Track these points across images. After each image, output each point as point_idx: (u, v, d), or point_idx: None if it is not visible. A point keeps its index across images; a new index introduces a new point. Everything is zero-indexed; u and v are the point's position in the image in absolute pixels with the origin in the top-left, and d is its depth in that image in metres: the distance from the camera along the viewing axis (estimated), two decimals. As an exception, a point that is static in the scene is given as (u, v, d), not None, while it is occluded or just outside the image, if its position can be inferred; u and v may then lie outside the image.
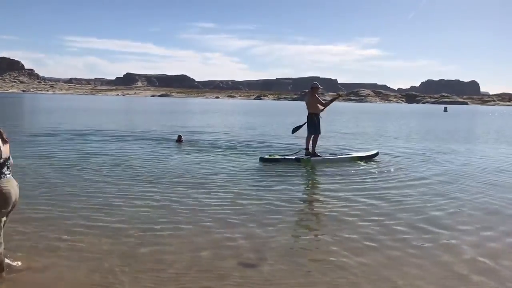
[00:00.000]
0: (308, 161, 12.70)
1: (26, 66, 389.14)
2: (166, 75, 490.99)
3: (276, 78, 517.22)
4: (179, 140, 17.99)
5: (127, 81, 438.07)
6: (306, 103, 13.45)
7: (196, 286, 4.57)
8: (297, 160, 12.73)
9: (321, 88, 14.20)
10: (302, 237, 6.38)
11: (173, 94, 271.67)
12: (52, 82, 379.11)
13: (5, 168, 4.24)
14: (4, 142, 4.20)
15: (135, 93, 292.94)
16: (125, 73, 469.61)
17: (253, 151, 15.64)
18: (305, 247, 5.88)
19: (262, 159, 12.71)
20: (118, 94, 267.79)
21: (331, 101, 13.69)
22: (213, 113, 52.77)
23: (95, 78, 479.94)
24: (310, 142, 13.19)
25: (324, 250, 5.72)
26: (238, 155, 14.50)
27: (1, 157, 4.13)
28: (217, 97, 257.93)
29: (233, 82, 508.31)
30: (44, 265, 4.96)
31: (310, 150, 13.12)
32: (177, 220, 6.79)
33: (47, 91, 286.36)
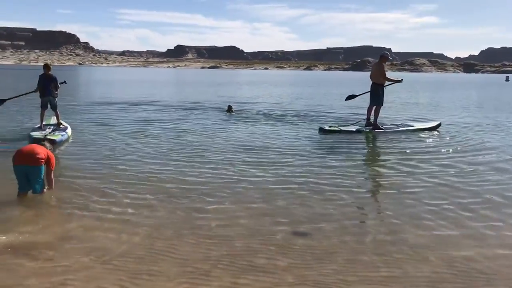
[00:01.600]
0: (369, 133, 12.27)
1: (82, 40, 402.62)
2: (216, 47, 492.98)
3: (327, 48, 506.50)
4: (229, 110, 17.96)
5: (178, 53, 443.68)
6: (371, 73, 12.84)
7: (247, 251, 4.53)
8: (358, 131, 12.32)
9: (391, 58, 13.34)
10: (359, 211, 6.12)
11: (222, 65, 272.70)
12: (106, 55, 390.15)
13: None
14: None
15: (185, 65, 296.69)
16: (175, 45, 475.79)
17: (307, 121, 15.33)
18: (362, 221, 5.65)
19: (322, 130, 12.40)
20: (169, 66, 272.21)
21: (392, 81, 12.92)
22: (261, 84, 52.46)
23: (147, 51, 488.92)
24: (372, 113, 12.70)
25: (381, 225, 5.48)
26: (293, 125, 14.24)
27: None
28: (266, 68, 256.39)
29: (282, 52, 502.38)
30: (103, 227, 5.05)
31: (372, 121, 12.65)
32: (233, 189, 6.74)
33: (102, 63, 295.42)
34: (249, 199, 6.25)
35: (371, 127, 12.49)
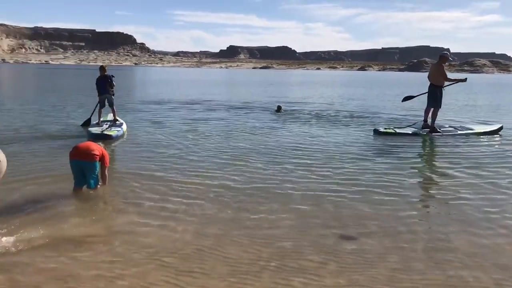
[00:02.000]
0: (426, 136, 11.83)
1: (138, 40, 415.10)
2: (268, 47, 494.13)
3: (382, 48, 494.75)
4: (278, 110, 17.93)
5: (230, 53, 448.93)
6: (429, 74, 12.37)
7: (296, 252, 4.46)
8: (415, 134, 11.90)
9: (451, 59, 12.75)
10: (411, 216, 5.84)
11: (274, 66, 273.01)
12: (161, 56, 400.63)
13: None
14: None
15: (237, 65, 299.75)
16: (228, 46, 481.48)
17: (360, 122, 15.04)
18: (414, 227, 5.39)
19: (377, 132, 12.09)
20: (221, 67, 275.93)
21: (455, 81, 12.33)
22: (313, 84, 52.00)
23: (200, 51, 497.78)
24: (430, 115, 12.25)
25: (433, 231, 5.23)
26: (345, 126, 14.00)
27: None
28: (318, 68, 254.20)
29: (335, 52, 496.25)
30: (153, 223, 5.15)
31: (429, 123, 12.19)
32: (282, 190, 6.69)
33: (157, 64, 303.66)
34: (298, 201, 6.17)
35: (428, 129, 12.03)
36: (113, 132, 10.75)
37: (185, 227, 5.11)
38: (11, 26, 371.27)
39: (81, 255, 4.33)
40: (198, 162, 8.43)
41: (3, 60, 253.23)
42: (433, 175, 8.21)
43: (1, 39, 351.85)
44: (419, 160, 9.64)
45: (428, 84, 12.20)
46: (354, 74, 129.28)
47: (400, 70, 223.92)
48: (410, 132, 11.98)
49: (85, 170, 6.12)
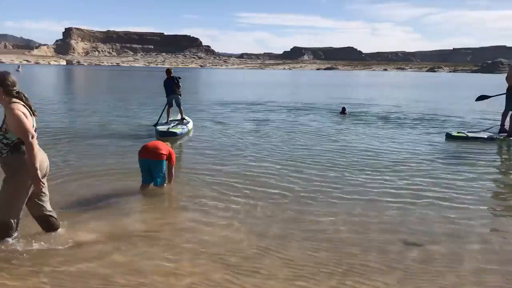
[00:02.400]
0: (503, 141, 11.14)
1: (204, 43, 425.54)
2: (333, 48, 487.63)
3: (453, 49, 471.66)
4: (343, 112, 17.58)
5: (294, 54, 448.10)
6: (508, 75, 11.57)
7: (357, 257, 4.28)
8: (490, 139, 11.25)
9: None
10: (482, 225, 5.49)
11: (338, 67, 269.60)
12: (225, 58, 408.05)
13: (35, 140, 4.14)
14: (33, 114, 4.14)
15: (301, 66, 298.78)
16: (292, 47, 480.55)
17: (428, 126, 14.44)
18: (485, 236, 5.05)
19: (449, 136, 11.54)
20: (284, 68, 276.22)
21: None
22: (379, 86, 50.69)
23: (264, 53, 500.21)
24: (508, 119, 11.49)
25: (506, 242, 4.89)
26: (412, 129, 13.48)
27: (35, 128, 4.06)
28: (385, 70, 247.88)
29: (403, 53, 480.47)
30: (213, 222, 5.18)
31: (507, 128, 11.44)
32: (345, 193, 6.55)
33: (221, 66, 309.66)
34: (361, 205, 5.98)
35: (506, 134, 11.28)
36: (178, 129, 11.37)
37: (247, 227, 5.10)
38: (86, 30, 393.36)
39: (147, 250, 4.42)
40: (260, 162, 8.43)
41: (78, 62, 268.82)
42: (509, 184, 7.65)
43: (77, 42, 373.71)
44: (494, 167, 8.96)
45: (507, 86, 11.43)
46: (423, 76, 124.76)
47: (473, 71, 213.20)
48: (485, 137, 11.30)
49: (152, 168, 6.28)
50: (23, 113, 3.92)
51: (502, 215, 5.95)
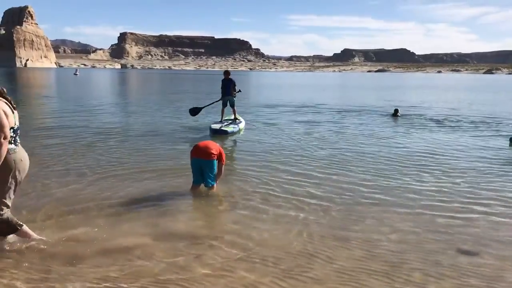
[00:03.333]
0: None
1: (253, 46, 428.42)
2: (384, 49, 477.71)
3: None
4: (395, 113, 17.12)
5: (344, 57, 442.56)
6: None
7: (406, 264, 4.13)
8: None
9: None
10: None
11: (390, 69, 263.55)
12: (275, 60, 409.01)
13: (18, 136, 4.08)
14: (13, 109, 3.99)
15: (351, 68, 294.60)
16: (342, 49, 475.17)
17: (486, 130, 13.81)
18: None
19: None
20: (334, 70, 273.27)
21: None
22: (433, 88, 49.05)
23: (314, 55, 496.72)
24: None
25: None
26: (470, 134, 12.89)
27: (16, 125, 3.97)
28: (439, 72, 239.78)
29: (458, 54, 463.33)
30: (260, 224, 5.12)
31: None
32: (396, 197, 6.34)
33: (270, 68, 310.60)
34: (413, 210, 5.75)
35: None
36: (230, 128, 12.18)
37: (292, 228, 5.01)
38: (139, 34, 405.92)
39: (195, 252, 4.41)
40: (309, 164, 8.31)
41: (132, 66, 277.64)
42: None
43: (131, 47, 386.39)
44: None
45: None
46: (479, 78, 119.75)
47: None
48: None
49: (204, 168, 6.29)
50: (4, 111, 3.80)
51: None
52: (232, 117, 13.35)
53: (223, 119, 13.27)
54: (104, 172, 7.45)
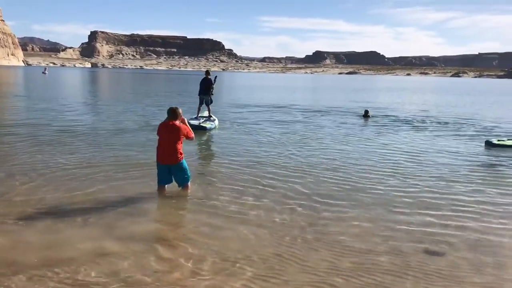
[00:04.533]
0: None
1: (226, 47, 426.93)
2: (355, 52, 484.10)
3: (478, 53, 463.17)
4: (366, 115, 17.33)
5: (316, 59, 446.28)
6: None
7: (376, 265, 4.14)
8: None
9: None
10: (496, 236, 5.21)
11: (361, 71, 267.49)
12: (248, 61, 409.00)
13: None
14: None
15: (323, 70, 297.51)
16: (314, 51, 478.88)
17: (453, 130, 14.12)
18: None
19: (489, 143, 11.13)
20: (306, 72, 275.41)
21: None
22: (402, 90, 49.98)
23: (286, 57, 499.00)
24: None
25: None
26: (436, 134, 13.25)
27: None
28: (408, 74, 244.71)
29: (427, 57, 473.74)
30: (231, 227, 5.08)
31: None
32: (365, 199, 6.40)
33: (243, 69, 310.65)
34: (381, 212, 5.82)
35: None
36: (208, 125, 12.91)
37: (263, 232, 4.98)
38: (110, 33, 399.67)
39: (162, 255, 4.35)
40: (278, 165, 8.30)
41: (103, 65, 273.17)
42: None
43: (102, 45, 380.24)
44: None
45: None
46: (447, 81, 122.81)
47: (498, 77, 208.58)
48: None
49: (174, 172, 6.14)
50: None
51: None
52: (206, 114, 13.80)
53: (199, 116, 13.76)
54: (58, 171, 7.27)
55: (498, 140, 11.21)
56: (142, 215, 5.35)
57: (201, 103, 13.82)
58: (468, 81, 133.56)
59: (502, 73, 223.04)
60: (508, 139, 11.44)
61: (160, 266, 4.05)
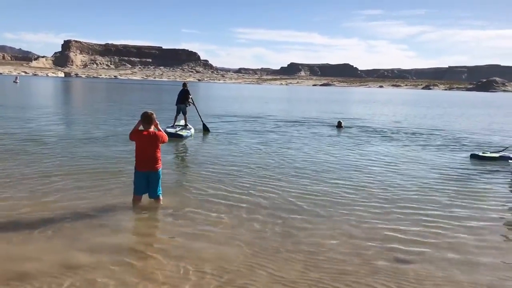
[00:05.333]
0: None
1: (202, 57, 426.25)
2: (329, 64, 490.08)
3: (448, 66, 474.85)
4: (339, 125, 17.57)
5: (291, 70, 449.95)
6: None
7: (344, 274, 4.18)
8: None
9: None
10: (475, 241, 5.39)
11: (334, 83, 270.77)
12: (223, 72, 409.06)
13: None
14: None
15: (297, 82, 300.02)
16: (289, 63, 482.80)
17: (423, 141, 14.44)
18: (477, 252, 4.97)
19: (474, 156, 11.31)
20: (281, 84, 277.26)
21: None
22: (375, 102, 50.83)
23: (261, 68, 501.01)
24: None
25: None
26: (407, 144, 13.50)
27: None
28: (380, 86, 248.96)
29: (399, 70, 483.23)
30: (203, 236, 5.05)
31: None
32: (335, 209, 6.47)
33: (219, 80, 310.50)
34: (353, 223, 5.87)
35: None
36: (184, 133, 13.49)
37: (234, 241, 4.98)
38: (84, 42, 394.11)
39: (135, 265, 4.31)
40: (253, 175, 8.34)
41: (76, 74, 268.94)
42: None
43: (75, 55, 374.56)
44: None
45: None
46: (418, 93, 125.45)
47: (468, 89, 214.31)
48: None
49: (151, 179, 6.06)
50: None
51: (482, 238, 5.81)
52: (182, 122, 14.51)
53: (175, 124, 14.40)
54: (21, 180, 7.13)
55: (483, 153, 11.44)
56: (112, 226, 5.27)
57: (178, 112, 14.63)
58: (438, 93, 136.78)
59: (471, 86, 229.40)
60: (491, 152, 11.65)
61: (132, 277, 3.99)
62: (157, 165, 6.05)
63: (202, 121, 15.12)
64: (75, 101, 36.51)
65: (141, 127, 6.03)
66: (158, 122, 6.13)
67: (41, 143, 11.04)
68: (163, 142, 6.12)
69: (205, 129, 14.92)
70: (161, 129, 6.21)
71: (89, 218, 5.51)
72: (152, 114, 6.02)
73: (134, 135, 6.05)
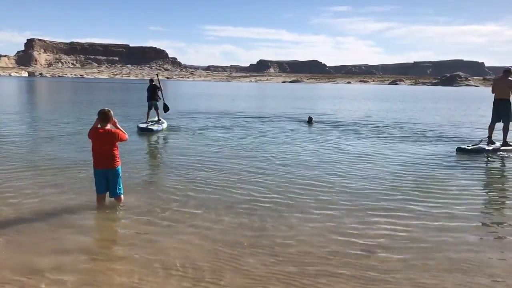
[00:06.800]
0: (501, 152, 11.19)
1: (170, 55, 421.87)
2: (298, 61, 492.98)
3: (414, 62, 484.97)
4: (310, 121, 17.72)
5: (260, 67, 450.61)
6: (496, 89, 11.58)
7: (309, 268, 4.21)
8: (495, 150, 11.23)
9: None
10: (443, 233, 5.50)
11: (303, 80, 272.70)
12: (192, 70, 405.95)
13: None
14: None
15: (267, 79, 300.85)
16: (258, 60, 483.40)
17: (393, 133, 14.64)
18: (447, 245, 5.10)
19: (461, 150, 11.34)
20: (251, 81, 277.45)
21: None
22: (343, 98, 51.51)
23: (231, 65, 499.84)
24: (501, 131, 11.64)
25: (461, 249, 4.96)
26: (376, 138, 13.69)
27: None
28: (348, 82, 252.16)
29: (366, 66, 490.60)
30: (168, 233, 5.01)
31: (495, 140, 11.65)
32: (304, 204, 6.52)
33: (188, 78, 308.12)
34: (323, 217, 5.91)
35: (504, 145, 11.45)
36: (155, 127, 14.18)
37: (203, 239, 4.94)
38: (49, 41, 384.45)
39: (102, 264, 4.26)
40: (222, 170, 8.33)
41: (41, 74, 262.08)
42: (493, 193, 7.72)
43: (39, 54, 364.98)
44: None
45: (493, 100, 11.58)
46: (385, 89, 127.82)
47: (433, 84, 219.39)
48: (496, 147, 11.34)
49: (110, 177, 5.94)
50: None
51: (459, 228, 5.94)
52: (156, 118, 15.13)
53: (148, 120, 15.01)
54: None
55: (468, 146, 11.51)
56: (75, 227, 5.17)
57: (149, 108, 15.24)
58: (404, 88, 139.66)
59: (435, 81, 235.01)
60: (473, 145, 11.66)
61: (100, 278, 3.92)
62: (115, 163, 5.93)
63: (164, 101, 15.56)
64: (38, 100, 35.61)
65: (99, 125, 5.91)
66: (116, 120, 6.00)
67: (0, 142, 10.69)
68: (121, 140, 5.98)
69: (165, 108, 15.65)
70: (120, 127, 6.07)
71: (52, 218, 5.38)
72: (109, 111, 5.90)
73: (91, 132, 5.92)
